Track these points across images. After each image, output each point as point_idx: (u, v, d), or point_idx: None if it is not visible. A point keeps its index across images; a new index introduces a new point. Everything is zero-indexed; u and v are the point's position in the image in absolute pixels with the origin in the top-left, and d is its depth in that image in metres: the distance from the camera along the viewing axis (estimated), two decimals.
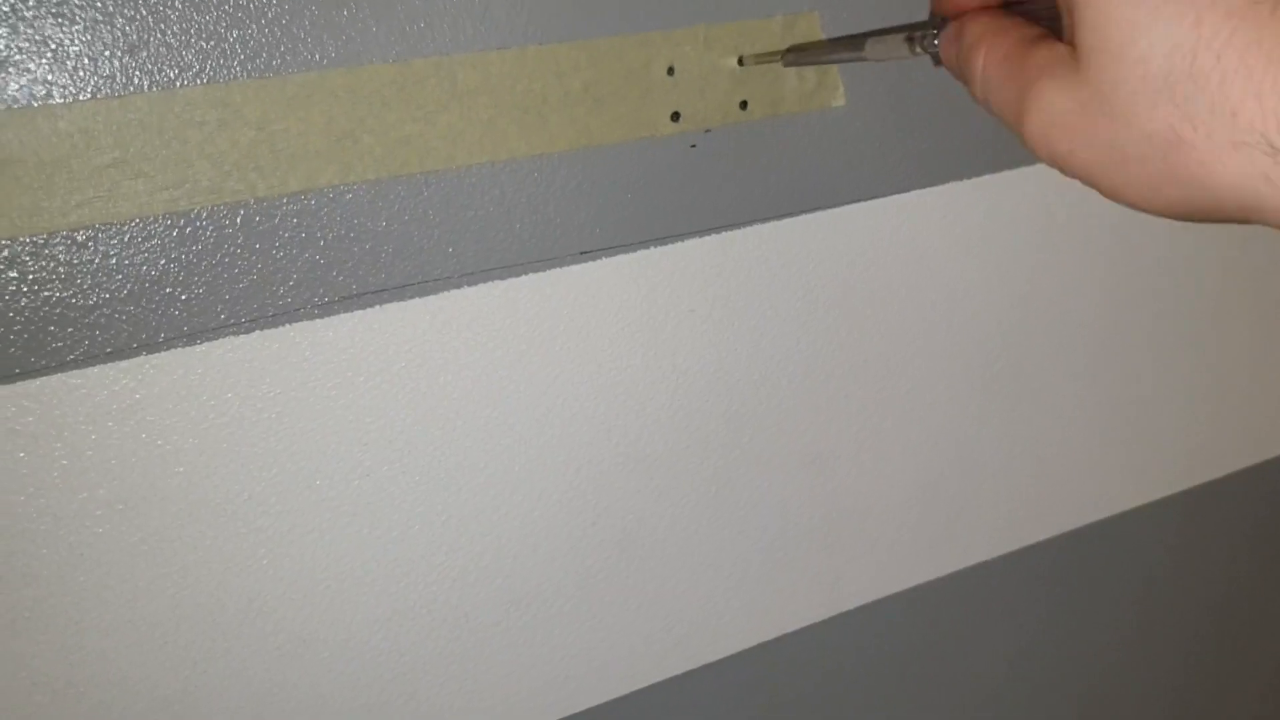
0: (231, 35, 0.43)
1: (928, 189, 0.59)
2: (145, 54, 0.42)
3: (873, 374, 0.61)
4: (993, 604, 0.72)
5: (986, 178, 0.61)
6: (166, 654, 0.48)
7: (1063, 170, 0.33)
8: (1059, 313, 0.65)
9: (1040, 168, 0.62)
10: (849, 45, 0.46)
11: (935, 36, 0.38)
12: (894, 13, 0.55)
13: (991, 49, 0.35)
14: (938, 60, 0.38)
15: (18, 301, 0.42)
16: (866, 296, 0.59)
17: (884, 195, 0.58)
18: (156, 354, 0.45)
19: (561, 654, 0.57)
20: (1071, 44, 0.31)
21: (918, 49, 0.40)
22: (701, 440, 0.58)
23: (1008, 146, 0.60)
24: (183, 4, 0.42)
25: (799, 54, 0.50)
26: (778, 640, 0.63)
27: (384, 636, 0.53)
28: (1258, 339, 0.74)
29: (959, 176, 0.60)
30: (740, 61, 0.52)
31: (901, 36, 0.40)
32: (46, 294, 0.43)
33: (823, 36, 0.53)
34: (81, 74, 0.41)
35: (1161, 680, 0.84)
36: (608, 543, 0.57)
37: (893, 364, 0.61)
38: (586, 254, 0.52)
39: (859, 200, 0.58)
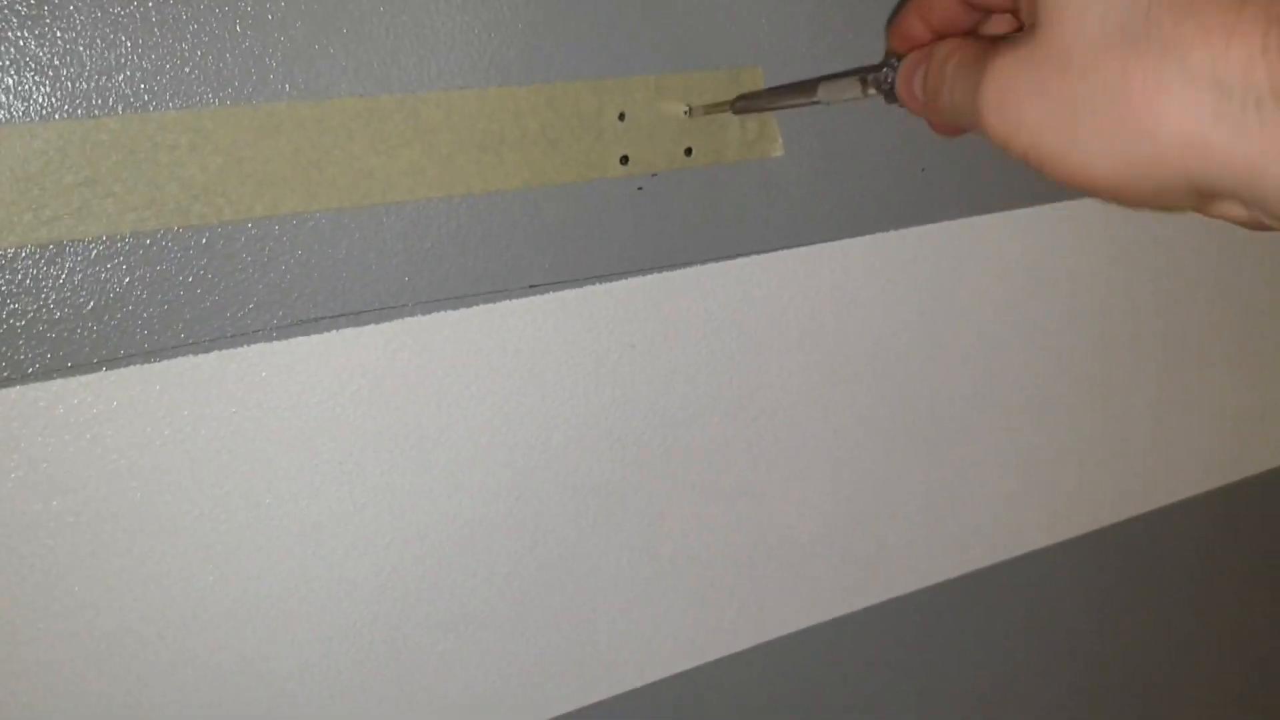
0: (206, 63, 0.45)
1: (856, 238, 0.63)
2: (121, 77, 0.43)
3: (800, 412, 0.64)
4: (910, 636, 0.74)
5: (911, 229, 0.64)
6: (111, 667, 0.49)
7: (1012, 143, 0.35)
8: (976, 359, 0.69)
9: (961, 223, 0.66)
10: (801, 91, 0.49)
11: (890, 73, 0.41)
12: (830, 68, 0.58)
13: (962, 53, 0.37)
14: (890, 97, 0.42)
15: None
16: (796, 338, 0.62)
17: (815, 242, 0.61)
18: (116, 369, 0.46)
19: (495, 675, 0.59)
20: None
21: (870, 90, 0.42)
22: (636, 470, 0.60)
23: (931, 201, 0.64)
24: (160, 30, 0.43)
25: (749, 101, 0.53)
26: (704, 667, 0.66)
27: (324, 654, 0.54)
28: (1164, 388, 0.79)
29: (885, 228, 0.63)
30: (688, 111, 0.55)
31: (855, 78, 0.43)
32: (12, 306, 0.44)
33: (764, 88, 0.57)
34: (59, 94, 0.42)
35: (1081, 711, 0.88)
36: (544, 566, 0.58)
37: (819, 403, 0.64)
38: (535, 288, 0.54)
39: (792, 246, 0.61)
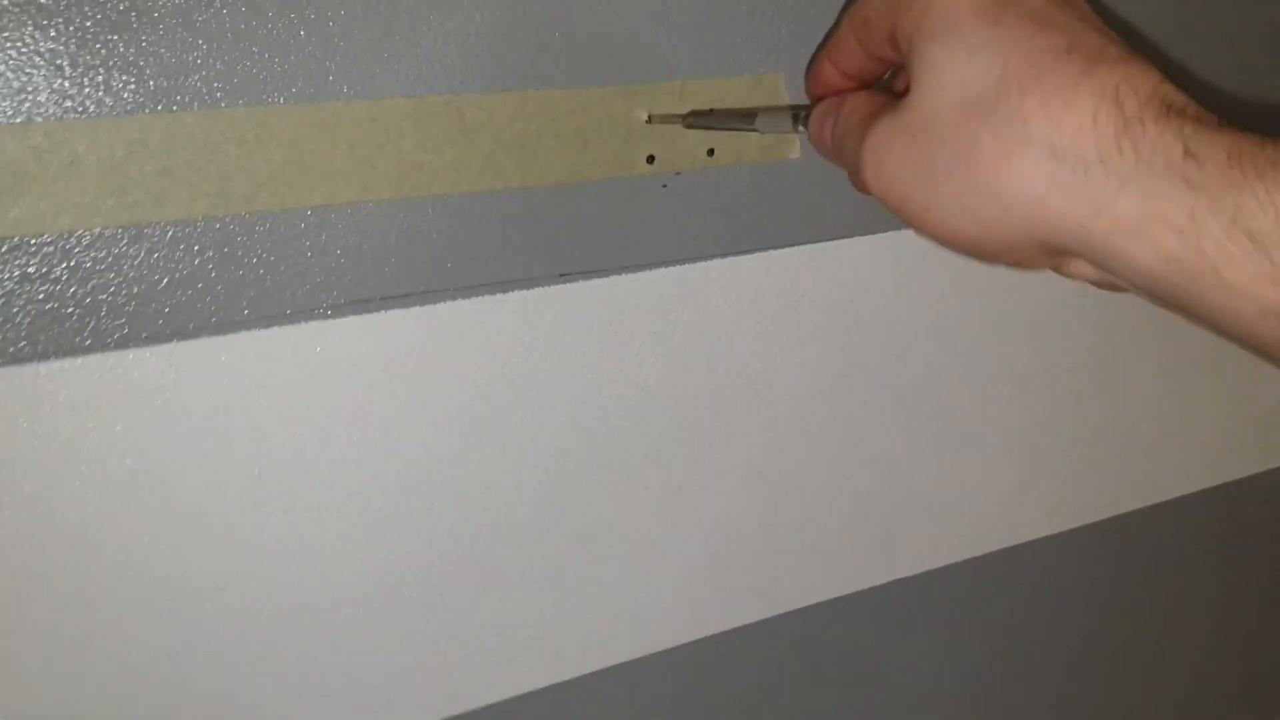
0: (272, 66, 0.49)
1: (868, 236, 0.67)
2: (197, 77, 0.48)
3: (814, 399, 0.68)
4: (914, 616, 0.78)
5: None
6: (172, 613, 0.54)
7: (885, 200, 0.39)
8: (985, 353, 0.73)
9: None
10: (743, 116, 0.54)
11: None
12: None
13: (863, 110, 0.42)
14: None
15: (69, 289, 0.48)
16: (812, 329, 0.66)
17: (830, 239, 0.65)
18: (186, 341, 0.51)
19: (525, 635, 0.63)
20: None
21: (800, 126, 0.47)
22: (656, 449, 0.64)
23: None
24: (233, 36, 0.48)
25: (699, 118, 0.57)
26: (717, 636, 0.70)
27: (365, 611, 0.58)
28: (1165, 385, 0.82)
29: (896, 227, 0.67)
30: (649, 119, 0.58)
31: (788, 114, 0.48)
32: (94, 282, 0.48)
33: (786, 96, 0.61)
34: (143, 91, 0.47)
35: (1079, 697, 0.91)
36: (570, 536, 0.63)
37: (832, 391, 0.68)
38: (566, 276, 0.59)
39: (808, 243, 0.65)
